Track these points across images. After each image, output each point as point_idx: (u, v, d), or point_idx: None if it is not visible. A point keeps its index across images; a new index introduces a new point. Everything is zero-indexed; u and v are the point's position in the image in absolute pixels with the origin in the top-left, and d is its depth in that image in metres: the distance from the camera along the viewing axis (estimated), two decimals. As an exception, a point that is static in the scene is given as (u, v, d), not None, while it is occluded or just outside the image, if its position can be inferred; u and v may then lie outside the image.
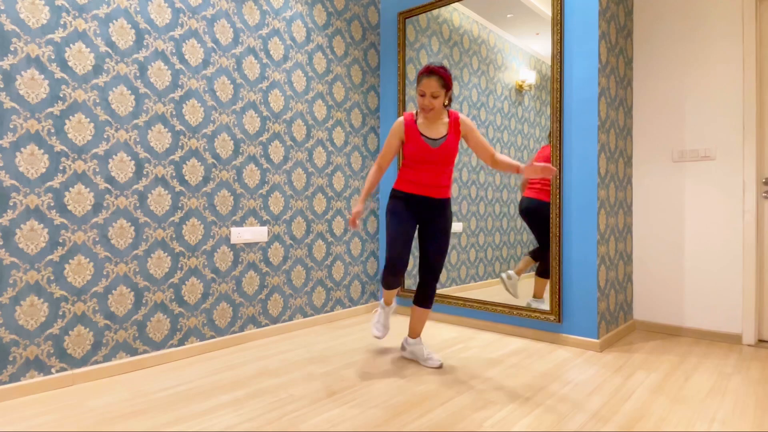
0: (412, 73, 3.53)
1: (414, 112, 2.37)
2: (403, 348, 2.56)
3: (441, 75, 2.19)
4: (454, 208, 3.33)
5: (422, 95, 2.22)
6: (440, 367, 2.38)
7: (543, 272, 2.89)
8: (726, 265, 2.87)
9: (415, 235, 2.73)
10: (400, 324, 3.27)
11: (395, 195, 2.37)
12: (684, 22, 3.00)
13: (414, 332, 2.48)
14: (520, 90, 3.04)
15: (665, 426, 1.75)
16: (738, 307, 2.83)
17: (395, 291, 2.44)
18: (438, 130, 2.30)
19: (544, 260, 2.88)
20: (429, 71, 2.19)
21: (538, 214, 2.90)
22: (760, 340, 2.83)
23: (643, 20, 3.16)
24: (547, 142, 2.90)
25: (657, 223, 3.11)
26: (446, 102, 2.30)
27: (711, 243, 2.91)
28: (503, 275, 3.05)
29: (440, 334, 2.99)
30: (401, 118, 2.35)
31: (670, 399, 2.00)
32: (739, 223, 2.83)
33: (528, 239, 3.00)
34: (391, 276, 2.30)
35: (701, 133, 2.95)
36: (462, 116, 2.32)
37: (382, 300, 2.52)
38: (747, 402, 1.97)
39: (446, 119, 2.32)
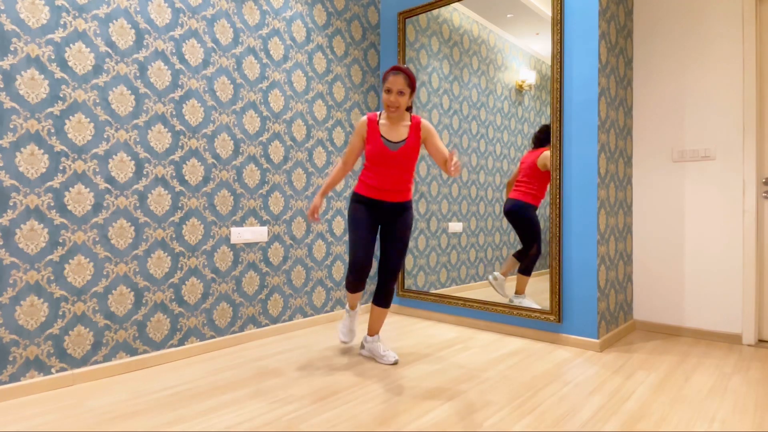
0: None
1: (378, 113, 2.40)
2: (362, 346, 2.59)
3: (407, 74, 2.27)
4: (454, 207, 3.34)
5: (388, 92, 2.27)
6: (395, 363, 2.41)
7: (524, 270, 2.98)
8: (726, 265, 2.86)
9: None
10: (393, 325, 3.27)
11: (354, 198, 2.42)
12: (684, 22, 3.00)
13: (372, 330, 2.52)
14: (520, 90, 3.04)
15: (665, 426, 1.75)
16: (738, 307, 2.83)
17: (359, 295, 2.51)
18: (398, 132, 2.34)
19: (526, 258, 2.98)
20: (396, 69, 2.28)
21: (520, 215, 3.00)
22: (760, 340, 2.83)
23: (643, 20, 3.16)
24: (532, 147, 2.94)
25: (657, 223, 3.11)
26: (409, 103, 2.35)
27: (711, 243, 2.91)
28: (490, 277, 3.13)
29: (440, 334, 2.99)
30: (364, 117, 2.39)
31: (670, 399, 2.00)
32: (739, 223, 2.82)
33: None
34: (355, 279, 2.37)
35: (701, 133, 2.94)
36: (424, 121, 2.37)
37: (347, 305, 2.58)
38: (747, 402, 1.97)
39: (408, 122, 2.36)
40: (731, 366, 2.42)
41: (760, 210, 2.81)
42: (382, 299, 2.45)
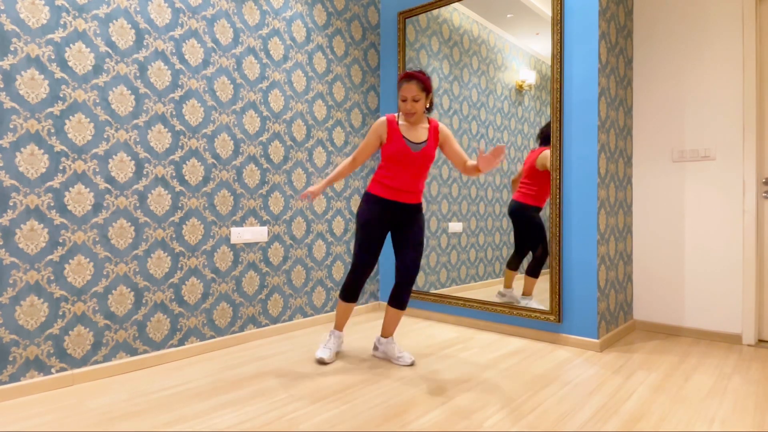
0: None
1: (396, 114, 2.41)
2: (375, 348, 2.56)
3: (420, 79, 2.27)
4: (454, 207, 3.34)
5: (404, 100, 2.30)
6: (412, 364, 2.40)
7: (531, 272, 2.97)
8: (726, 265, 2.86)
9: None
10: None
11: (368, 199, 2.37)
12: (684, 22, 3.00)
13: (386, 332, 2.49)
14: (520, 90, 3.04)
15: (665, 426, 1.75)
16: (738, 307, 2.83)
17: (350, 309, 2.48)
18: (419, 134, 2.35)
19: (533, 260, 2.96)
20: (408, 76, 2.28)
21: (518, 215, 3.01)
22: (760, 340, 2.83)
23: (643, 20, 3.16)
24: (535, 146, 2.95)
25: (657, 223, 3.11)
26: (428, 105, 2.36)
27: (711, 243, 2.91)
28: (497, 296, 3.11)
29: (440, 334, 2.99)
30: (384, 117, 2.38)
31: (670, 399, 2.00)
32: (739, 223, 2.82)
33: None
34: (356, 280, 2.37)
35: (701, 133, 2.95)
36: (441, 125, 2.40)
37: (333, 325, 2.51)
38: (747, 402, 1.97)
39: (426, 125, 2.38)
40: (731, 366, 2.42)
41: (760, 210, 2.81)
42: (398, 302, 2.40)
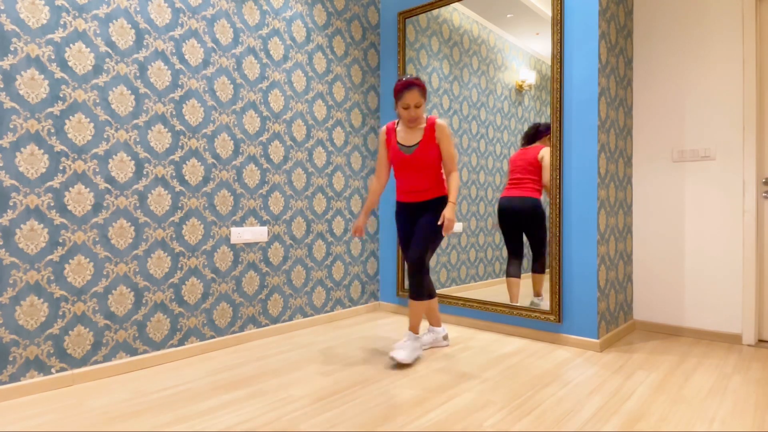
0: (412, 73, 3.53)
1: (396, 120, 2.50)
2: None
3: (420, 86, 2.35)
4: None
5: (406, 108, 2.34)
6: (392, 359, 2.34)
7: (541, 268, 2.92)
8: (726, 265, 2.86)
9: None
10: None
11: (396, 206, 2.62)
12: (684, 21, 3.00)
13: (409, 325, 2.51)
14: (520, 90, 3.03)
15: (665, 426, 1.75)
16: (738, 307, 2.83)
17: (423, 306, 2.42)
18: (414, 136, 2.41)
19: (542, 256, 2.91)
20: (409, 84, 2.32)
21: (539, 212, 2.91)
22: (760, 340, 2.83)
23: (643, 20, 3.16)
24: (521, 145, 2.97)
25: (657, 223, 3.11)
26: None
27: (711, 243, 2.91)
28: (536, 299, 2.98)
29: (440, 334, 2.99)
30: (384, 127, 2.51)
31: (670, 399, 2.00)
32: (739, 223, 2.82)
33: (527, 239, 2.99)
34: (412, 276, 2.37)
35: (701, 133, 2.94)
36: (439, 121, 2.40)
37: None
38: (747, 402, 1.97)
39: (423, 124, 2.42)
40: (731, 366, 2.42)
41: (760, 210, 2.81)
42: (410, 292, 2.44)
